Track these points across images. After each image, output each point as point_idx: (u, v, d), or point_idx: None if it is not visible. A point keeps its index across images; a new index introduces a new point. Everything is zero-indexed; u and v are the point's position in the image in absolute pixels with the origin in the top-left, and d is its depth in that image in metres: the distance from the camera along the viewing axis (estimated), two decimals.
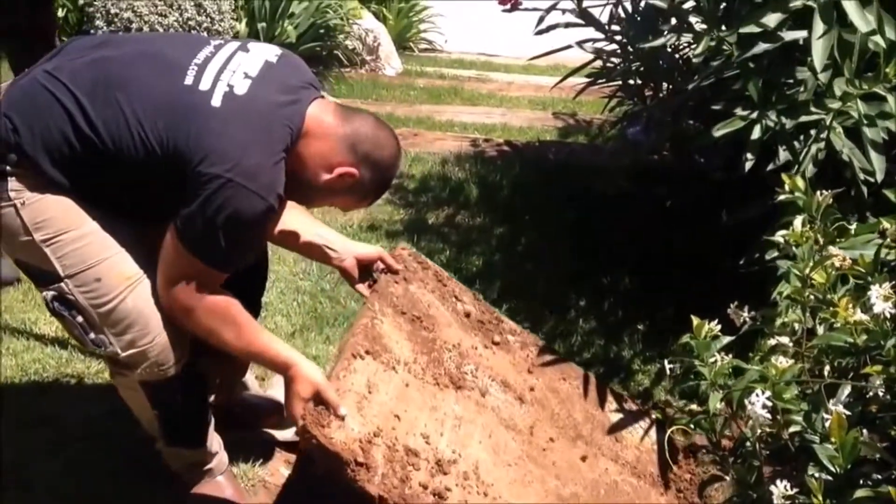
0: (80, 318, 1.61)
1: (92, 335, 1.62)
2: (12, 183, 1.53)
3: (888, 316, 1.09)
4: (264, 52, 1.60)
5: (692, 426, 1.38)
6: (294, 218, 1.81)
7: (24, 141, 1.51)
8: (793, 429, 1.17)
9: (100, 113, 1.49)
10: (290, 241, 1.85)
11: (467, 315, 1.94)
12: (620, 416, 1.89)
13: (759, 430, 1.22)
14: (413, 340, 1.75)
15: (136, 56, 1.57)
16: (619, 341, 2.52)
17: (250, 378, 2.19)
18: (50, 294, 1.60)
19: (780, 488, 1.11)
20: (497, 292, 2.74)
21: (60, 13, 4.64)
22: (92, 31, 4.37)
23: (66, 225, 1.56)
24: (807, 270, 1.16)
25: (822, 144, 1.83)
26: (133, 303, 1.63)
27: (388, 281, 1.85)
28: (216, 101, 1.48)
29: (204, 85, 1.50)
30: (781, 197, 1.28)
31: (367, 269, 1.89)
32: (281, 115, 1.52)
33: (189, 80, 1.50)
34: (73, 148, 1.51)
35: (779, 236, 1.22)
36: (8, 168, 1.52)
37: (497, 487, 1.56)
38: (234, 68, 1.53)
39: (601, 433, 1.85)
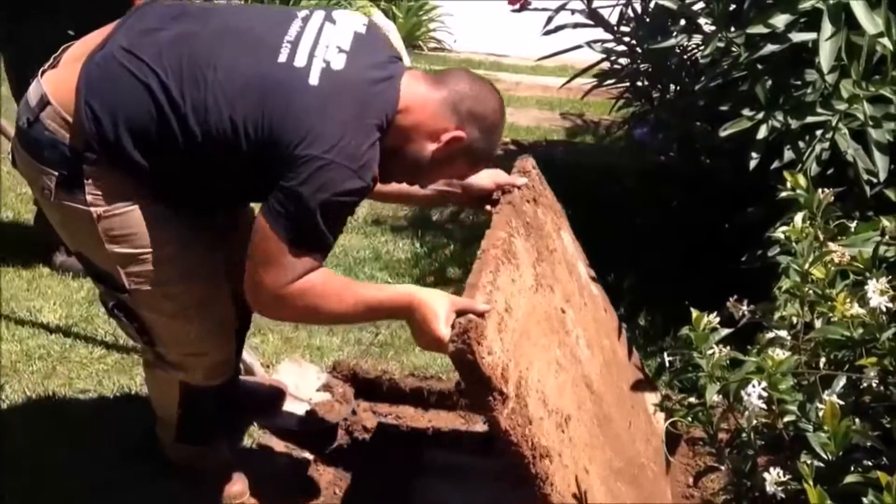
0: (136, 325, 1.61)
1: (146, 338, 1.63)
2: (89, 187, 1.49)
3: (884, 310, 1.11)
4: (351, 23, 1.54)
5: (689, 418, 1.40)
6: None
7: (107, 130, 1.46)
8: (787, 419, 1.19)
9: (188, 95, 1.44)
10: (409, 194, 1.79)
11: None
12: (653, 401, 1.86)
13: (754, 421, 1.24)
14: (536, 268, 1.66)
15: (224, 32, 1.50)
16: (631, 327, 2.53)
17: (256, 364, 2.22)
18: (112, 302, 1.60)
19: (773, 475, 1.13)
20: None
21: None
22: None
23: (142, 244, 1.54)
24: (806, 266, 1.18)
25: (826, 145, 1.86)
26: (197, 325, 1.63)
27: (523, 197, 1.74)
28: (314, 79, 1.43)
29: (299, 61, 1.45)
30: (783, 194, 1.30)
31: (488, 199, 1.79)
32: (377, 93, 1.48)
33: (283, 58, 1.45)
34: (158, 134, 1.46)
35: (779, 232, 1.25)
36: (86, 168, 1.48)
37: (576, 446, 1.51)
38: (326, 42, 1.48)
39: (642, 414, 1.84)
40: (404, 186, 1.67)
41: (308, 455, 2.15)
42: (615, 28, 2.75)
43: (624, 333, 1.97)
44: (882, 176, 1.77)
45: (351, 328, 2.54)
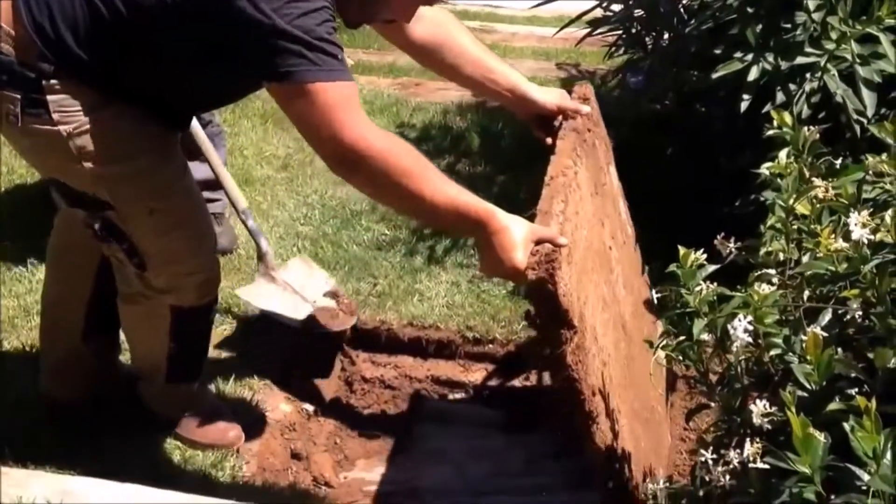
0: (125, 245, 1.62)
1: (136, 259, 1.65)
2: (53, 105, 1.50)
3: (865, 242, 1.13)
4: None
5: (680, 357, 1.43)
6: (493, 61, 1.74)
7: (48, 33, 1.48)
8: (773, 352, 1.22)
9: None
10: (485, 85, 1.74)
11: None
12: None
13: (742, 356, 1.26)
14: (594, 201, 1.63)
15: None
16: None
17: (270, 252, 2.28)
18: (97, 222, 1.61)
19: (760, 406, 1.16)
20: None
21: None
22: None
23: (118, 156, 1.55)
24: (791, 201, 1.19)
25: (816, 85, 1.86)
26: (185, 241, 1.66)
27: (584, 126, 1.70)
28: None
29: None
30: (770, 132, 1.31)
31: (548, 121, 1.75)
32: None
33: None
34: (93, 22, 1.47)
35: (764, 168, 1.26)
36: (44, 83, 1.49)
37: (612, 386, 1.50)
38: None
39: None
40: (455, 61, 1.66)
41: (308, 406, 2.19)
42: None
43: (646, 275, 1.98)
44: (870, 113, 1.78)
45: (350, 276, 2.57)
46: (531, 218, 1.43)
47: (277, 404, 2.14)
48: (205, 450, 1.91)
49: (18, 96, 1.50)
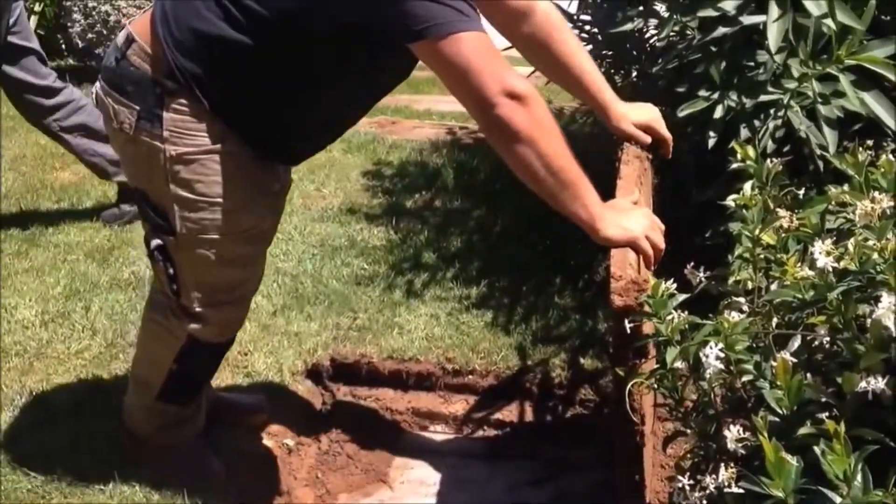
0: (171, 271, 1.65)
1: (175, 286, 1.68)
2: (167, 122, 1.54)
3: (830, 270, 1.18)
4: None
5: (654, 384, 1.46)
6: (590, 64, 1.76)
7: (182, 45, 1.52)
8: (745, 378, 1.26)
9: None
10: (577, 83, 1.76)
11: None
12: None
13: (714, 382, 1.31)
14: None
15: None
16: (594, 315, 2.61)
17: None
18: (156, 243, 1.65)
19: (734, 432, 1.20)
20: (475, 270, 2.83)
21: (37, 7, 4.63)
22: (69, 26, 4.36)
23: (206, 192, 1.59)
24: (756, 231, 1.25)
25: (779, 122, 1.94)
26: (230, 276, 1.70)
27: (645, 155, 1.76)
28: None
29: None
30: (734, 165, 1.37)
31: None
32: None
33: None
34: (229, 33, 1.50)
35: (730, 200, 1.32)
36: (166, 99, 1.54)
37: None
38: None
39: None
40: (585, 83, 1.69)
41: (289, 441, 2.20)
42: (575, 17, 2.82)
43: None
44: (832, 150, 1.85)
45: (330, 311, 2.60)
46: None
47: (258, 439, 2.15)
48: (184, 484, 1.91)
49: (138, 108, 1.56)
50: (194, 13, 1.52)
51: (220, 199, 1.61)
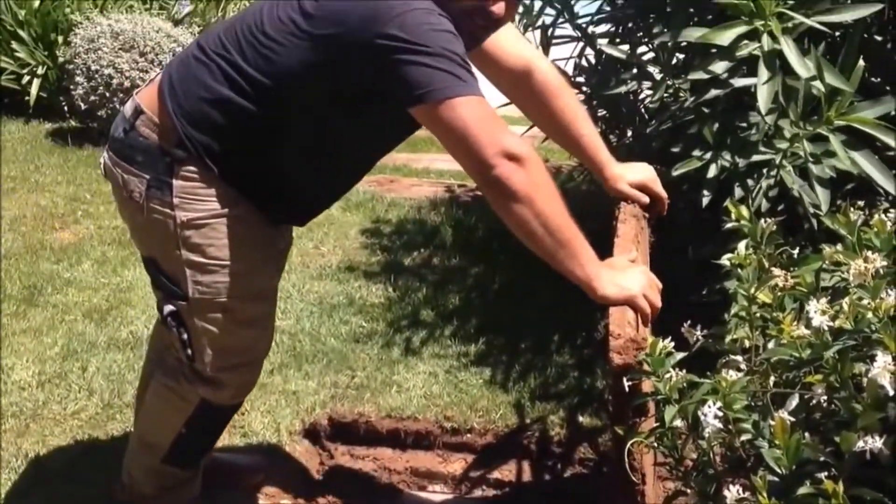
0: (185, 336, 1.66)
1: (189, 351, 1.68)
2: (177, 189, 1.57)
3: (825, 329, 1.19)
4: None
5: (653, 443, 1.46)
6: (587, 126, 1.80)
7: (188, 114, 1.56)
8: (744, 437, 1.26)
9: (248, 52, 1.53)
10: (575, 144, 1.81)
11: None
12: None
13: (714, 441, 1.31)
14: None
15: (258, 2, 1.61)
16: (592, 373, 2.61)
17: None
18: (168, 309, 1.65)
19: (733, 492, 1.20)
20: (473, 328, 2.84)
21: (40, 70, 4.70)
22: (72, 88, 4.42)
23: (217, 256, 1.61)
24: (752, 290, 1.26)
25: (772, 181, 1.97)
26: (244, 340, 1.71)
27: (641, 213, 1.79)
28: None
29: None
30: (728, 225, 1.39)
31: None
32: None
33: None
34: (235, 99, 1.53)
35: (725, 259, 1.34)
36: (175, 167, 1.56)
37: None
38: None
39: None
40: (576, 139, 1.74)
41: (286, 502, 2.18)
42: (571, 78, 2.87)
43: None
44: (825, 209, 1.88)
45: (328, 369, 2.59)
46: None
47: (254, 500, 2.13)
48: None
49: (148, 177, 1.58)
50: (201, 84, 1.56)
51: (231, 262, 1.62)
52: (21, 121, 4.65)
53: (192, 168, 1.58)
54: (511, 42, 1.75)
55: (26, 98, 4.66)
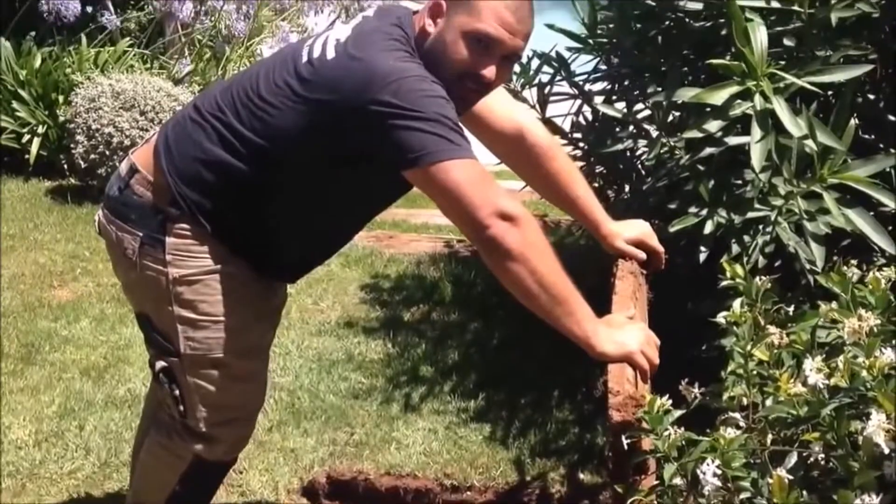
0: (177, 393, 1.66)
1: (182, 408, 1.68)
2: (170, 246, 1.59)
3: (821, 387, 1.20)
4: (358, 18, 1.66)
5: (654, 500, 1.45)
6: (582, 186, 1.83)
7: (182, 173, 1.58)
8: (743, 495, 1.26)
9: (243, 115, 1.56)
10: (570, 205, 1.85)
11: None
12: None
13: (713, 499, 1.30)
14: None
15: (262, 63, 1.66)
16: (592, 429, 2.60)
17: None
18: (160, 365, 1.66)
19: None
20: (473, 383, 2.83)
21: (40, 129, 4.74)
22: (72, 147, 4.45)
23: (209, 311, 1.62)
24: (748, 348, 1.27)
25: (768, 238, 1.99)
26: (238, 395, 1.71)
27: (638, 270, 1.81)
28: (330, 54, 1.52)
29: (316, 52, 1.55)
30: (724, 283, 1.40)
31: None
32: (387, 23, 1.56)
33: (305, 57, 1.56)
34: (229, 159, 1.57)
35: (720, 317, 1.35)
36: (168, 224, 1.59)
37: None
38: (336, 35, 1.57)
39: None
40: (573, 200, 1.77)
41: None
42: (569, 134, 2.91)
43: None
44: (820, 265, 1.89)
45: (326, 426, 2.58)
46: None
47: None
48: None
49: (141, 234, 1.60)
50: (197, 145, 1.60)
51: (223, 318, 1.63)
52: (21, 179, 4.69)
53: (184, 225, 1.60)
54: (503, 105, 1.78)
55: (26, 157, 4.69)
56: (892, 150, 2.20)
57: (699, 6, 2.28)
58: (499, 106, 1.78)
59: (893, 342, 1.27)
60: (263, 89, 1.56)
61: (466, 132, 1.54)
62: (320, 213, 1.64)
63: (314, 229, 1.67)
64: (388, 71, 1.46)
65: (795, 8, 1.99)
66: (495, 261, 1.46)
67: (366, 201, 1.70)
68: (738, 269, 1.38)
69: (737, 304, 1.33)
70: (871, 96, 2.30)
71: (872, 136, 2.31)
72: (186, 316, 1.62)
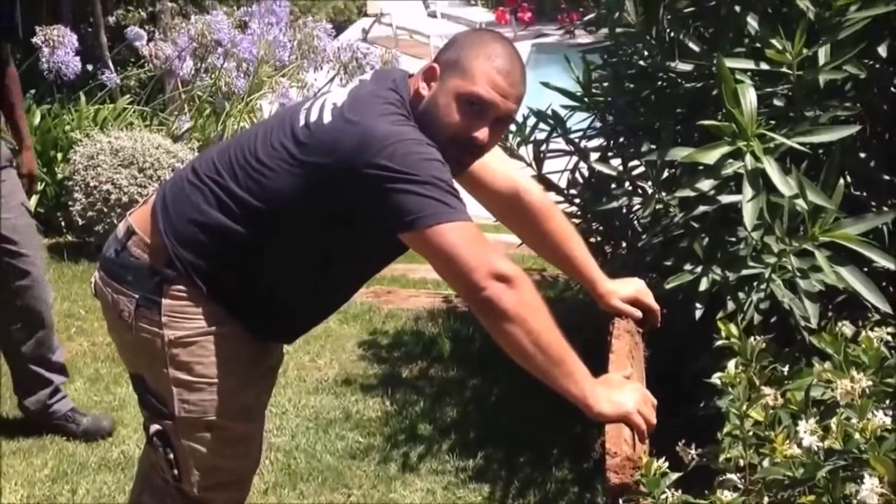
0: (171, 456, 1.65)
1: (176, 471, 1.67)
2: (166, 308, 1.60)
3: (815, 450, 1.20)
4: (355, 82, 1.69)
5: None
6: (578, 245, 1.85)
7: (180, 235, 1.60)
8: None
9: (241, 177, 1.58)
10: (566, 264, 1.87)
11: None
12: None
13: None
14: None
15: (259, 125, 1.69)
16: (592, 488, 2.57)
17: None
18: (155, 428, 1.66)
19: None
20: (471, 442, 2.81)
21: (39, 187, 4.76)
22: (70, 204, 4.46)
23: (205, 373, 1.62)
24: (743, 409, 1.27)
25: (762, 295, 1.99)
26: (232, 459, 1.70)
27: (635, 328, 1.82)
28: (327, 118, 1.55)
29: (313, 116, 1.57)
30: (718, 343, 1.41)
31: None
32: (383, 87, 1.59)
33: (302, 121, 1.58)
34: (226, 221, 1.58)
35: (715, 378, 1.35)
36: (164, 286, 1.60)
37: None
38: (332, 99, 1.60)
39: None
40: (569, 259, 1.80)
41: None
42: (565, 191, 2.94)
43: None
44: (814, 322, 1.89)
45: (323, 488, 2.55)
46: None
47: None
48: None
49: (137, 296, 1.61)
50: (194, 207, 1.61)
51: (218, 380, 1.63)
52: None
53: (180, 287, 1.61)
54: (499, 165, 1.81)
55: None
56: (885, 208, 2.23)
57: (690, 67, 2.32)
58: (495, 165, 1.81)
59: (887, 402, 1.28)
60: (261, 151, 1.58)
61: (462, 191, 1.56)
62: (317, 275, 1.65)
63: (311, 290, 1.68)
64: (384, 134, 1.48)
65: (784, 70, 2.03)
66: (492, 322, 1.47)
67: (363, 263, 1.71)
68: (733, 328, 1.39)
69: (731, 364, 1.33)
70: (863, 154, 2.32)
71: (864, 193, 2.33)
72: (182, 378, 1.62)
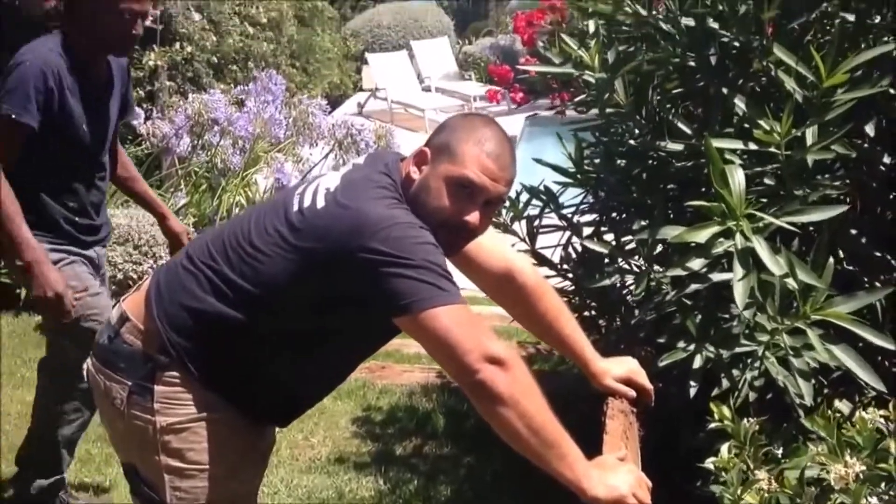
0: None
1: None
2: (158, 394, 1.59)
3: None
4: (348, 166, 1.71)
5: None
6: (571, 325, 1.85)
7: (173, 321, 1.60)
8: None
9: (235, 263, 1.59)
10: (559, 343, 1.88)
11: None
12: None
13: None
14: None
15: (253, 211, 1.70)
16: None
17: None
18: None
19: None
20: None
21: None
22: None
23: (196, 460, 1.61)
24: (737, 493, 1.26)
25: (756, 372, 1.99)
26: None
27: (629, 408, 1.82)
28: (320, 203, 1.56)
29: (306, 201, 1.59)
30: (712, 425, 1.40)
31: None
32: (375, 171, 1.61)
33: (296, 206, 1.59)
34: (220, 307, 1.59)
35: (708, 463, 1.34)
36: (157, 373, 1.59)
37: None
38: (326, 184, 1.62)
39: None
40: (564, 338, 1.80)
41: None
42: (559, 266, 2.95)
43: None
44: (808, 401, 1.89)
45: None
46: None
47: None
48: None
49: (130, 383, 1.60)
50: (188, 293, 1.62)
51: (210, 466, 1.62)
52: (10, 314, 4.67)
53: (173, 373, 1.60)
54: (492, 244, 1.83)
55: (17, 291, 4.70)
56: (877, 284, 2.25)
57: (680, 147, 2.36)
58: (489, 246, 1.83)
59: (882, 486, 1.27)
60: (255, 236, 1.60)
61: (455, 273, 1.57)
62: (312, 359, 1.65)
63: (306, 374, 1.68)
64: (377, 218, 1.50)
65: (773, 150, 2.06)
66: (485, 405, 1.47)
67: (358, 346, 1.72)
68: (726, 410, 1.39)
69: (724, 448, 1.33)
70: (854, 231, 2.34)
71: (856, 268, 2.34)
72: (174, 465, 1.61)
